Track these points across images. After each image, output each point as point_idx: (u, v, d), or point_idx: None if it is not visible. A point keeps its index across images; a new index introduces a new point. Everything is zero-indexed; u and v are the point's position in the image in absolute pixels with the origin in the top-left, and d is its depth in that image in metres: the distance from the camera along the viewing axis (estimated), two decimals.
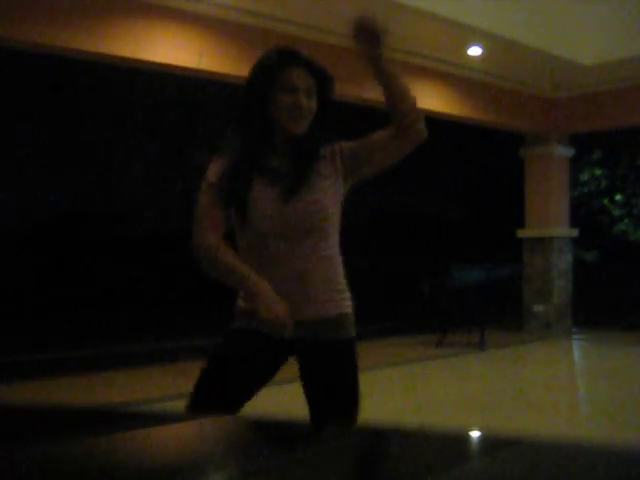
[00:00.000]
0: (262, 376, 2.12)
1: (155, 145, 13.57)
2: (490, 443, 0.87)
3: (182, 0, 5.48)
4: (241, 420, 1.26)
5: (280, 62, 2.07)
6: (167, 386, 5.86)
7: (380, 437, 0.95)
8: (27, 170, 12.86)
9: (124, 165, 13.28)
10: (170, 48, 5.54)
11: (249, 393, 2.10)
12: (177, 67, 5.74)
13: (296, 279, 2.04)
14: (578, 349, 8.80)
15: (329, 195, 2.08)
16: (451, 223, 14.36)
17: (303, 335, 2.06)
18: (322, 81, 2.11)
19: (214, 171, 2.09)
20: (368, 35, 2.00)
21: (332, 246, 2.10)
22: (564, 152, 9.26)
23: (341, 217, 2.14)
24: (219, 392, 2.08)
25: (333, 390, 2.10)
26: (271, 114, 2.06)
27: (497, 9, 6.48)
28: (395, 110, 2.08)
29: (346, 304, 2.12)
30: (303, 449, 0.85)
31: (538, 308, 9.09)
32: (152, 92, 12.23)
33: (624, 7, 7.01)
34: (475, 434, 0.98)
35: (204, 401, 2.05)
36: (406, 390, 5.95)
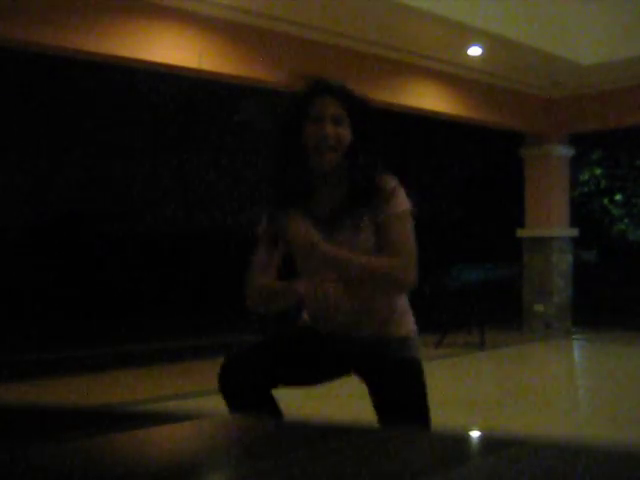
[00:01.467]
0: (310, 373, 2.12)
1: (155, 145, 13.58)
2: (490, 443, 0.87)
3: (182, 0, 5.48)
4: (241, 420, 1.26)
5: (308, 93, 2.01)
6: (167, 386, 5.87)
7: (380, 437, 0.95)
8: (27, 170, 12.86)
9: (124, 165, 13.28)
10: (170, 48, 5.54)
11: (288, 378, 2.08)
12: (177, 67, 5.74)
13: (352, 311, 1.98)
14: (578, 349, 8.80)
15: (369, 237, 1.99)
16: (451, 223, 14.36)
17: (361, 352, 2.07)
18: (353, 107, 2.00)
19: (261, 224, 2.10)
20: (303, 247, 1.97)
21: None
22: (564, 152, 9.26)
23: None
24: (261, 358, 2.03)
25: (398, 408, 2.07)
26: (304, 147, 1.99)
27: (497, 9, 6.48)
28: (375, 287, 2.01)
29: (406, 327, 2.11)
30: (303, 449, 0.85)
31: (538, 308, 9.09)
32: (152, 92, 12.24)
33: (624, 7, 7.01)
34: (475, 434, 0.99)
35: (242, 359, 2.01)
36: None
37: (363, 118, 2.02)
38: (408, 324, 2.12)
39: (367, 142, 2.01)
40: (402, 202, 1.99)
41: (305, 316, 2.18)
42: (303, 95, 2.02)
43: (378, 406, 2.09)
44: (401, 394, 2.08)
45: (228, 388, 1.98)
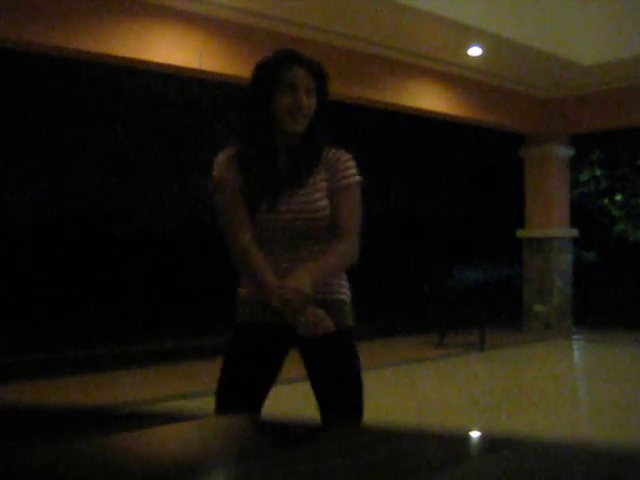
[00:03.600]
0: (274, 371, 2.19)
1: (155, 145, 13.57)
2: (490, 443, 0.87)
3: (183, 0, 5.48)
4: (241, 420, 1.26)
5: (280, 63, 2.12)
6: (168, 386, 5.87)
7: (380, 437, 0.95)
8: (27, 170, 12.86)
9: (124, 165, 13.28)
10: (170, 48, 5.54)
11: (266, 391, 2.18)
12: (177, 67, 5.74)
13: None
14: (578, 349, 8.80)
15: (324, 197, 2.12)
16: (451, 223, 14.35)
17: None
18: (320, 80, 2.15)
19: (223, 166, 2.13)
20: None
21: (325, 242, 2.14)
22: (564, 152, 9.26)
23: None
24: (240, 397, 2.15)
25: (334, 377, 2.14)
26: (272, 114, 2.10)
27: (497, 9, 6.48)
28: None
29: (342, 291, 2.19)
30: (303, 449, 0.85)
31: (538, 308, 9.09)
32: (152, 92, 12.23)
33: (624, 7, 7.01)
34: (475, 434, 0.99)
35: (227, 407, 2.13)
36: (406, 390, 5.96)
37: (325, 91, 2.17)
38: (342, 288, 2.19)
39: (325, 113, 2.17)
40: (354, 173, 2.16)
41: (245, 292, 2.20)
42: (275, 63, 2.13)
43: (314, 377, 2.16)
44: (337, 364, 2.15)
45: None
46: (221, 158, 2.14)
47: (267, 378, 2.17)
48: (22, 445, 0.85)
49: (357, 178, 2.16)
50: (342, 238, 2.11)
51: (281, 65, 2.11)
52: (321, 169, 2.14)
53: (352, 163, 2.18)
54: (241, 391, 2.16)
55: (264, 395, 2.16)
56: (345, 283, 2.21)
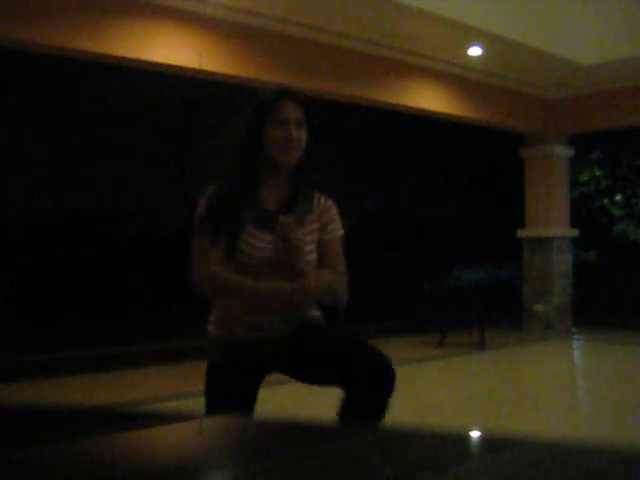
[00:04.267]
0: (253, 401, 2.22)
1: (155, 145, 13.58)
2: (490, 443, 0.87)
3: (182, 0, 5.48)
4: (241, 420, 1.26)
5: (273, 98, 2.16)
6: (168, 386, 5.86)
7: (380, 437, 0.95)
8: (27, 171, 12.86)
9: (125, 165, 13.28)
10: (170, 48, 5.54)
11: (251, 408, 2.21)
12: (177, 67, 5.73)
13: (276, 311, 2.16)
14: (578, 349, 8.80)
15: (312, 238, 2.18)
16: (451, 223, 14.36)
17: (284, 345, 2.19)
18: (310, 115, 2.19)
19: (205, 206, 2.17)
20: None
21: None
22: (564, 152, 9.26)
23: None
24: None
25: (326, 345, 2.17)
26: (265, 148, 2.14)
27: (497, 9, 6.48)
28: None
29: (315, 311, 2.28)
30: (303, 449, 0.85)
31: (538, 308, 9.09)
32: (152, 92, 12.24)
33: (624, 7, 7.01)
34: (475, 434, 0.99)
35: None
36: (406, 390, 5.95)
37: (315, 127, 2.21)
38: (315, 310, 2.29)
39: (314, 146, 2.21)
40: (340, 226, 2.26)
41: (214, 330, 2.26)
42: (268, 98, 2.17)
43: (308, 372, 2.19)
44: (320, 339, 2.20)
45: None
46: (206, 199, 2.18)
47: (246, 409, 2.20)
48: (22, 445, 0.85)
49: (342, 232, 2.27)
50: (334, 270, 2.19)
51: (274, 100, 2.15)
52: (315, 212, 2.20)
53: (337, 214, 2.27)
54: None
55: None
56: (315, 306, 2.28)
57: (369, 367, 2.00)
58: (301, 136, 2.14)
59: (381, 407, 2.02)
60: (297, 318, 2.21)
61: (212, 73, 5.95)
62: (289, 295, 2.05)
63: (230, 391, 2.19)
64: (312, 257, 2.16)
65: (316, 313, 2.29)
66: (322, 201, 2.23)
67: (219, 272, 2.10)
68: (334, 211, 2.25)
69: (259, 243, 2.12)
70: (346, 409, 2.03)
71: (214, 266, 2.10)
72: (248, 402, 2.20)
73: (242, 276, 2.10)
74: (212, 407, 2.19)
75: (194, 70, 5.83)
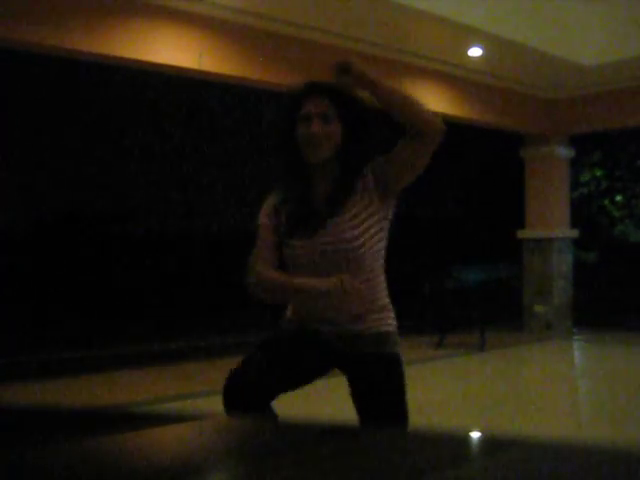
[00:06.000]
0: (302, 376, 2.19)
1: (156, 145, 13.58)
2: (490, 443, 0.87)
3: (182, 0, 5.48)
4: (241, 420, 1.26)
5: (298, 94, 2.12)
6: (168, 387, 5.86)
7: (380, 437, 0.95)
8: (27, 171, 12.86)
9: (126, 166, 13.28)
10: (170, 49, 5.54)
11: (285, 386, 2.16)
12: (177, 68, 5.74)
13: (331, 307, 2.10)
14: (578, 350, 8.80)
15: (361, 225, 2.09)
16: (451, 223, 14.35)
17: (342, 347, 2.15)
18: (344, 105, 2.10)
19: (263, 212, 2.20)
20: (347, 74, 2.05)
21: (369, 271, 2.12)
22: (564, 153, 9.26)
23: (387, 235, 2.19)
24: (259, 374, 2.12)
25: (377, 402, 2.14)
26: (296, 143, 2.11)
27: (498, 10, 6.48)
28: (405, 119, 2.07)
29: (386, 322, 2.17)
30: (303, 450, 0.85)
31: (538, 309, 9.08)
32: (152, 92, 12.23)
33: (624, 7, 7.01)
34: (475, 434, 0.98)
35: (242, 380, 2.11)
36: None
37: (353, 114, 2.11)
38: (388, 319, 2.18)
39: (359, 135, 2.11)
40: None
41: (288, 313, 2.25)
42: (294, 96, 2.13)
43: (358, 401, 2.15)
44: (380, 388, 2.14)
45: (232, 407, 2.10)
46: (264, 206, 2.21)
47: (291, 378, 2.17)
48: (22, 446, 0.85)
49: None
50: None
51: (299, 97, 2.11)
52: (361, 194, 2.11)
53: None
54: (261, 372, 2.12)
55: (275, 393, 2.14)
56: (392, 315, 2.21)
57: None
58: (327, 130, 2.06)
59: None
60: (354, 317, 2.13)
61: (212, 73, 5.96)
62: (332, 287, 1.98)
63: (290, 353, 2.18)
64: (359, 242, 2.07)
65: (388, 327, 2.17)
66: (367, 173, 2.11)
67: (264, 271, 2.10)
68: (381, 160, 2.11)
69: (299, 238, 2.11)
70: None
71: (262, 266, 2.11)
72: (296, 373, 2.17)
73: (287, 274, 2.10)
74: (256, 356, 2.15)
75: (194, 71, 5.83)
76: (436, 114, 2.10)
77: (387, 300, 2.19)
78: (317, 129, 2.05)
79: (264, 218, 2.18)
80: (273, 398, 2.14)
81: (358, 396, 2.15)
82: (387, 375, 2.14)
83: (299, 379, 2.20)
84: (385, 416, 2.11)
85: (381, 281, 2.18)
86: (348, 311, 2.11)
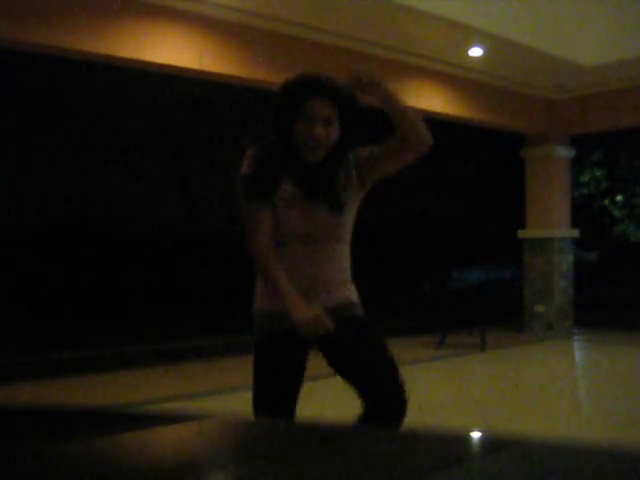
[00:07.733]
0: (299, 373, 2.25)
1: (156, 145, 13.58)
2: (490, 443, 0.87)
3: (183, 1, 5.48)
4: (241, 421, 1.26)
5: (300, 93, 2.11)
6: (168, 387, 5.86)
7: (380, 437, 0.95)
8: (28, 172, 12.86)
9: (125, 165, 13.28)
10: (171, 49, 5.54)
11: (297, 393, 2.25)
12: (178, 68, 5.74)
13: (312, 278, 2.19)
14: (579, 349, 8.79)
15: (346, 204, 2.21)
16: (452, 224, 14.36)
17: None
18: (344, 105, 2.13)
19: (250, 162, 2.18)
20: (365, 85, 2.07)
21: (344, 247, 2.27)
22: (565, 153, 9.26)
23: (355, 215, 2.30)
24: (276, 404, 2.21)
25: (365, 350, 2.23)
26: (292, 142, 2.13)
27: (498, 10, 6.48)
28: (405, 131, 2.15)
29: (354, 294, 2.32)
30: (304, 450, 0.85)
31: (539, 309, 9.08)
32: (153, 93, 12.24)
33: (624, 7, 7.01)
34: (475, 434, 0.98)
35: (268, 413, 2.19)
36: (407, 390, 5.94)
37: (350, 113, 2.15)
38: (354, 292, 2.32)
39: (353, 133, 2.18)
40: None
41: (267, 305, 2.25)
42: (295, 94, 2.11)
43: (345, 360, 2.23)
44: (365, 334, 2.26)
45: None
46: (251, 153, 2.18)
47: (295, 382, 2.23)
48: (22, 446, 0.85)
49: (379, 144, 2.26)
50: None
51: (301, 97, 2.10)
52: (344, 174, 2.21)
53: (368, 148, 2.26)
54: (276, 399, 2.21)
55: (296, 397, 2.23)
56: (354, 286, 2.33)
57: (390, 395, 2.19)
58: (329, 133, 2.10)
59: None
60: (334, 299, 2.23)
61: (212, 73, 5.96)
62: (305, 323, 2.06)
63: (280, 363, 2.21)
64: (347, 221, 2.24)
65: (354, 298, 2.30)
66: (350, 156, 2.22)
67: (264, 250, 2.13)
68: (364, 151, 2.23)
69: (292, 211, 2.15)
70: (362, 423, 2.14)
71: (264, 236, 2.13)
72: (297, 374, 2.23)
73: (280, 272, 2.12)
74: (262, 381, 2.21)
75: (195, 71, 5.84)
76: (427, 128, 2.19)
77: (349, 273, 2.32)
78: (320, 133, 2.08)
79: (255, 167, 2.17)
80: (296, 403, 2.25)
81: (344, 355, 2.22)
82: (368, 327, 2.28)
83: (302, 375, 2.26)
84: (376, 362, 2.21)
85: (348, 256, 2.31)
86: (323, 289, 2.21)
